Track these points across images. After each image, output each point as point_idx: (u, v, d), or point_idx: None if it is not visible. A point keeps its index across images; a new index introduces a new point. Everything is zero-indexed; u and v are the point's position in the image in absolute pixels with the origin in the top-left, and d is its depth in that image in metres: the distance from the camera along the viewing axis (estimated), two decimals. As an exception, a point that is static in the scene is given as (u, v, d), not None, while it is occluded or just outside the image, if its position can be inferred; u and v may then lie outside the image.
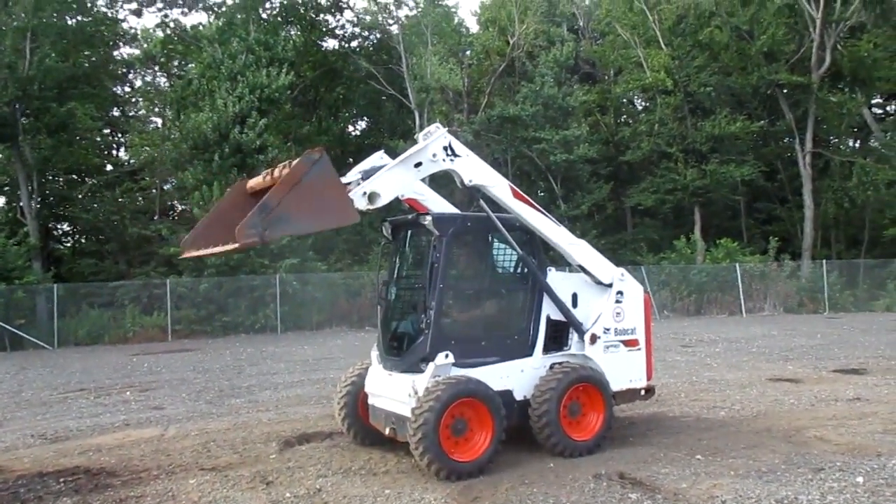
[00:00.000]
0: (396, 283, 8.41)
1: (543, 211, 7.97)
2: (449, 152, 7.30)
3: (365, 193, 6.88)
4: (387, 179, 7.07)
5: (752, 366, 14.62)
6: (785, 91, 34.21)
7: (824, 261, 31.44)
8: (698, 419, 9.66)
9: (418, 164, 7.24)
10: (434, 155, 7.23)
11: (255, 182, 7.51)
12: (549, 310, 8.02)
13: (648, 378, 8.61)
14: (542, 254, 8.27)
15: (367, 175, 7.32)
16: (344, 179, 7.20)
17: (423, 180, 7.84)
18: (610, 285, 8.33)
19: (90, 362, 18.91)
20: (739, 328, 23.34)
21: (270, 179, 6.98)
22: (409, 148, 7.75)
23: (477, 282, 8.13)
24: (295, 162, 6.41)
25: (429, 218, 7.54)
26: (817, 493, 6.32)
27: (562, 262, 9.21)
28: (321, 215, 6.37)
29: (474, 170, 7.49)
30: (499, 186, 7.62)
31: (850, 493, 6.29)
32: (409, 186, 7.47)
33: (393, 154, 8.00)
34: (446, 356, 7.22)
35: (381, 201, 6.99)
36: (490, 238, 8.07)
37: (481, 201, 7.69)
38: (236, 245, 6.07)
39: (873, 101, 38.99)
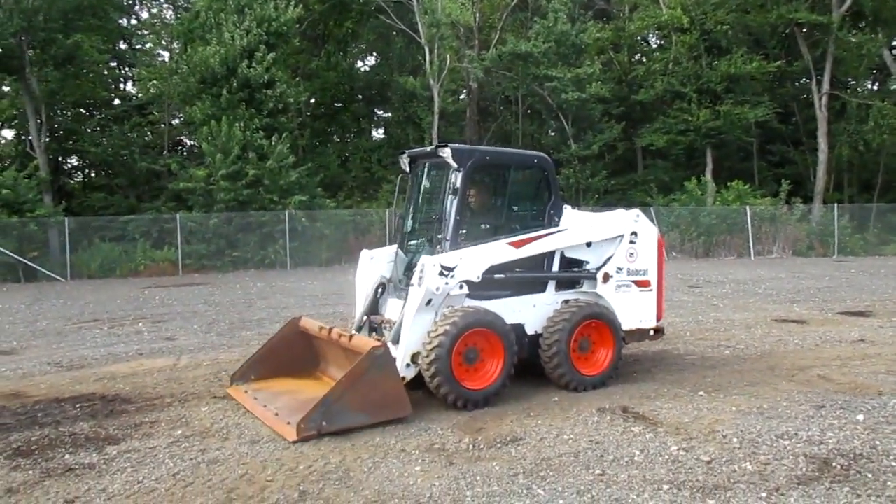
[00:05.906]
0: (413, 215, 8.48)
1: (543, 233, 7.98)
2: (446, 273, 7.19)
3: (408, 365, 7.06)
4: (414, 335, 7.13)
5: (759, 307, 14.70)
6: (804, 30, 33.33)
7: (836, 204, 31.19)
8: (703, 357, 9.79)
9: (429, 302, 7.19)
10: (437, 288, 7.15)
11: (308, 325, 8.00)
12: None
13: (658, 319, 8.72)
14: (558, 191, 8.30)
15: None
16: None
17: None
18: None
19: (103, 294, 19.16)
20: (747, 270, 23.36)
21: (326, 334, 7.59)
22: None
23: (492, 216, 8.15)
24: (360, 358, 6.62)
25: (447, 150, 7.51)
26: (817, 429, 6.43)
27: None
28: (378, 409, 6.62)
29: (474, 266, 7.38)
30: (499, 253, 7.56)
31: (849, 430, 6.40)
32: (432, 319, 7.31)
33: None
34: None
35: (424, 354, 7.05)
36: (507, 174, 8.07)
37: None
38: (295, 438, 6.25)
39: (894, 42, 38.02)
